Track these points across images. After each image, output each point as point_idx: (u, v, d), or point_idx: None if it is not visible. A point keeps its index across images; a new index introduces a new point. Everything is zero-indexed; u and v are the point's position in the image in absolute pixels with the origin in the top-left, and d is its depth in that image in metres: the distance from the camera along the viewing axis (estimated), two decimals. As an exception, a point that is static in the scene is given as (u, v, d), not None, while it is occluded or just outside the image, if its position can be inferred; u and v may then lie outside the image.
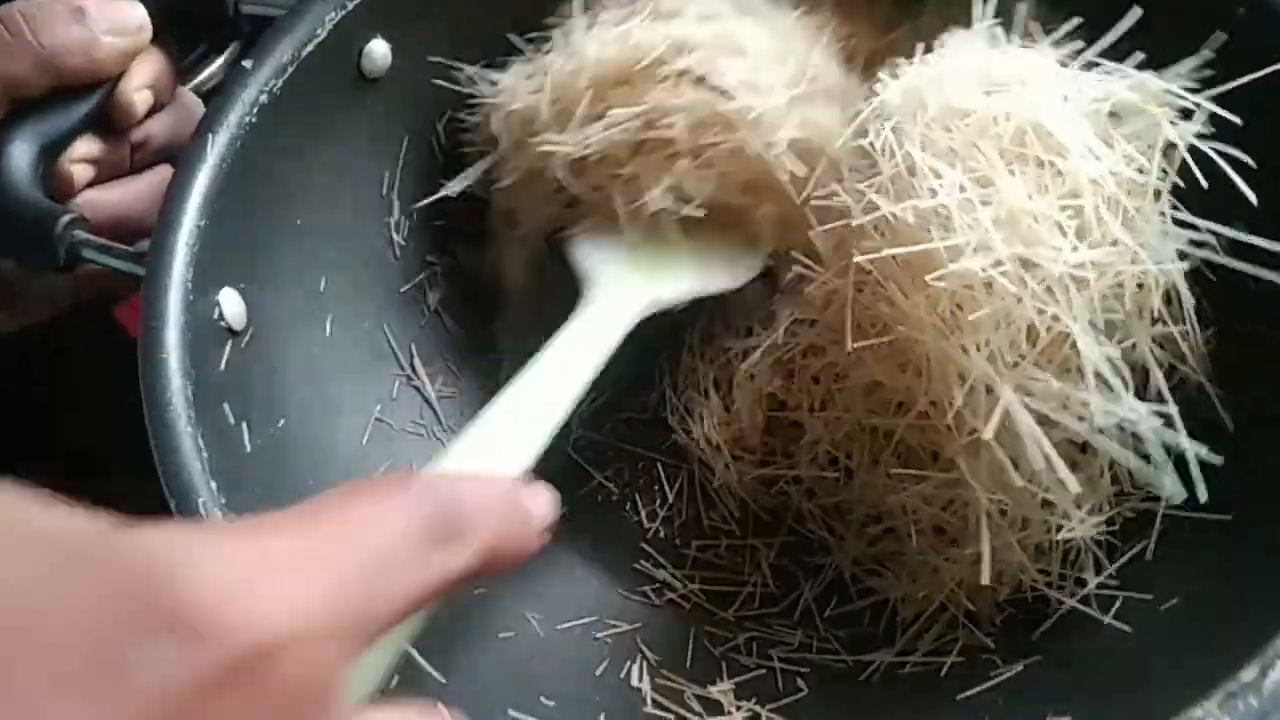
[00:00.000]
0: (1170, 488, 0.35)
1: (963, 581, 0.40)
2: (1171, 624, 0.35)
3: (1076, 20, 0.40)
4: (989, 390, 0.36)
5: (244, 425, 0.38)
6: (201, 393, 0.36)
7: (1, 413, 0.50)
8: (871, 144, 0.38)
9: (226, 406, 0.38)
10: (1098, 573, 0.38)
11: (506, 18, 0.47)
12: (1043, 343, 0.36)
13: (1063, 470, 0.35)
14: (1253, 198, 0.35)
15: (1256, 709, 0.28)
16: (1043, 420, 0.35)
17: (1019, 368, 0.36)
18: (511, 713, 0.35)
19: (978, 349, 0.36)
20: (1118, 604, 0.37)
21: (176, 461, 0.34)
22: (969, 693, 0.37)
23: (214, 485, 0.34)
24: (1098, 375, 0.35)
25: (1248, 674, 0.29)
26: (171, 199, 0.38)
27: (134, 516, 0.20)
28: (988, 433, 0.35)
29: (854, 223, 0.38)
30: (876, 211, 0.37)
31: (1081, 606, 0.38)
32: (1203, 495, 0.34)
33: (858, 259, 0.38)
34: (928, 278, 0.35)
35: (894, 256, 0.37)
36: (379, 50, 0.46)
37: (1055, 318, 0.35)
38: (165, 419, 0.35)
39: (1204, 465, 0.37)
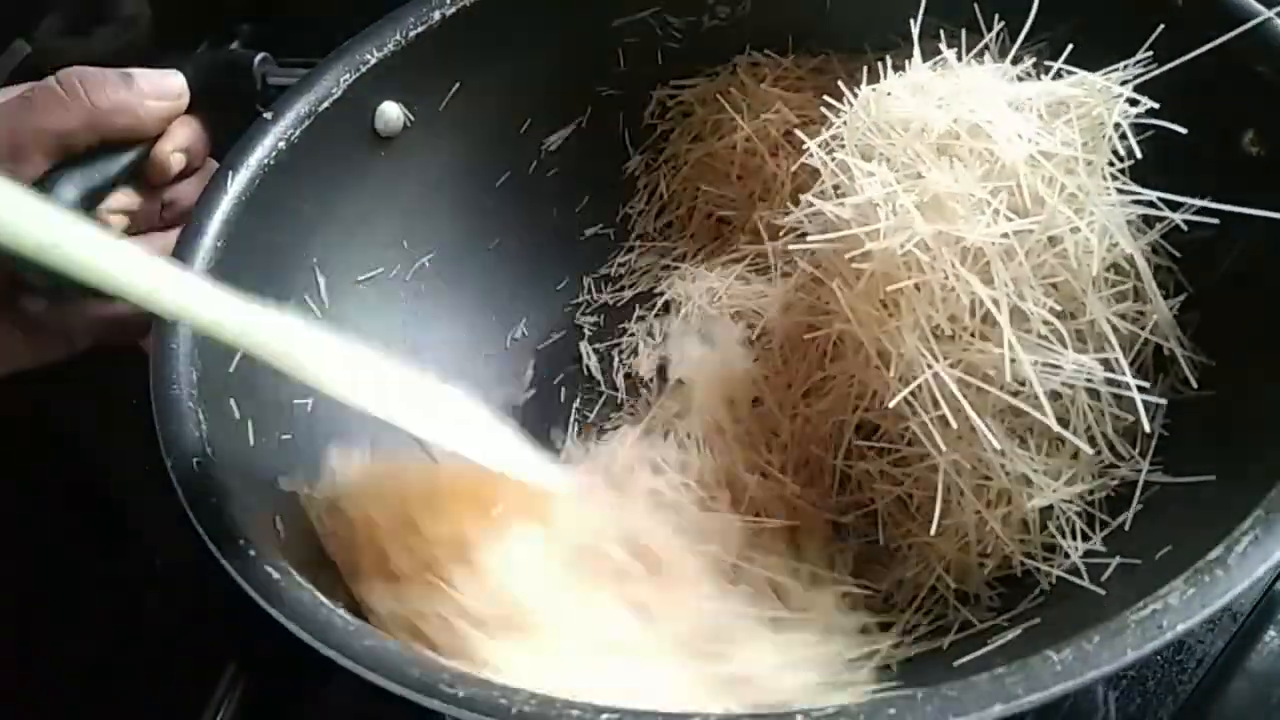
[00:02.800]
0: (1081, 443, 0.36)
1: (949, 562, 0.39)
2: (1158, 574, 0.34)
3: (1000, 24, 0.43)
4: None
5: (249, 423, 0.40)
6: (208, 382, 0.39)
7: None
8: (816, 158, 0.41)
9: (233, 402, 0.40)
10: (1085, 541, 0.37)
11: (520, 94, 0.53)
12: (980, 312, 0.37)
13: (989, 434, 0.36)
14: (1138, 152, 0.38)
15: (1224, 579, 0.27)
16: (982, 389, 0.36)
17: (958, 340, 0.37)
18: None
19: (913, 327, 0.37)
20: (1110, 570, 0.36)
21: (175, 428, 0.36)
22: (966, 658, 0.35)
23: (210, 451, 0.36)
24: (1039, 335, 0.36)
25: (1214, 553, 0.28)
26: (193, 219, 0.42)
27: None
28: (892, 402, 0.36)
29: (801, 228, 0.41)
30: (813, 210, 0.40)
31: (1069, 576, 0.37)
32: (1146, 427, 0.35)
33: (793, 248, 0.40)
34: (847, 255, 0.37)
35: (832, 252, 0.39)
36: (391, 112, 0.50)
37: (967, 282, 0.36)
38: (169, 393, 0.37)
39: (1189, 430, 0.38)
